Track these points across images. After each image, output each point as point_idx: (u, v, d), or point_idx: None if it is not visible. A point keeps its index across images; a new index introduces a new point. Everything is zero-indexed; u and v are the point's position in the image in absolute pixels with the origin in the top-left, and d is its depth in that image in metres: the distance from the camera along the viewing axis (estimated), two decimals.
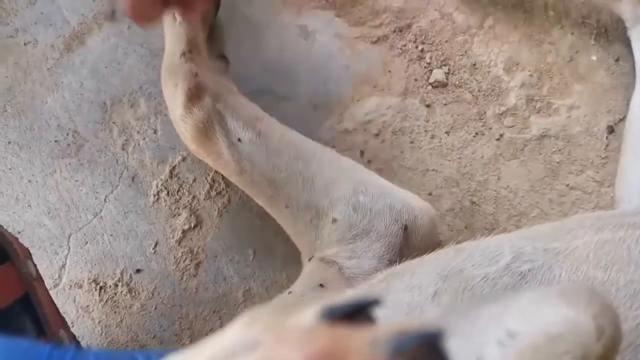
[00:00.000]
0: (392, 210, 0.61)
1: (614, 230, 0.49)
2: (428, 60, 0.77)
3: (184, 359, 0.23)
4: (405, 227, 0.61)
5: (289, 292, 0.59)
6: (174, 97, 0.64)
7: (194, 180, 0.70)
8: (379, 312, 0.44)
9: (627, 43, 0.75)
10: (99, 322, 0.65)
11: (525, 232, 0.52)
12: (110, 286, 0.66)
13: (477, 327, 0.33)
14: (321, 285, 0.57)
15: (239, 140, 0.63)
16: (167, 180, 0.70)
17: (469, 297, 0.44)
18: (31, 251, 0.66)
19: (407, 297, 0.45)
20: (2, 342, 0.40)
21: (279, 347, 0.21)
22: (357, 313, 0.23)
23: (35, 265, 0.54)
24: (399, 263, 0.54)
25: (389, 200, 0.61)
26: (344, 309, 0.23)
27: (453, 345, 0.33)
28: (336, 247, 0.61)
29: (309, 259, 0.63)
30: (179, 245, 0.68)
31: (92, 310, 0.66)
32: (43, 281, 0.54)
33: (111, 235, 0.68)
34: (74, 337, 0.54)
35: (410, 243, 0.61)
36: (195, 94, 0.64)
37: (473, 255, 0.47)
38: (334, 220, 0.61)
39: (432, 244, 0.62)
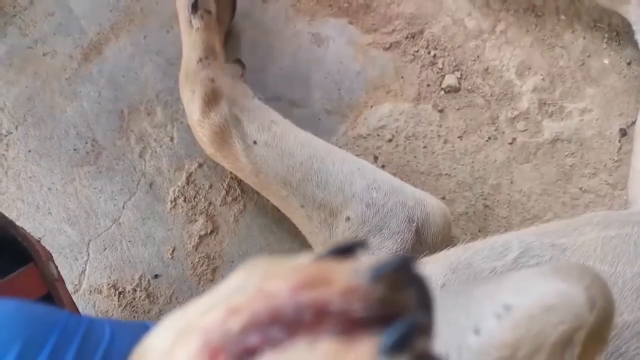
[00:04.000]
0: (404, 207, 0.62)
1: (621, 226, 0.50)
2: (440, 66, 0.78)
3: (187, 308, 0.24)
4: (417, 224, 0.61)
5: None
6: (192, 103, 0.66)
7: (210, 187, 0.71)
8: None
9: None
10: None
11: (534, 229, 0.53)
12: (129, 291, 0.68)
13: (473, 302, 0.34)
14: None
15: (255, 142, 0.65)
16: (183, 186, 0.71)
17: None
18: None
19: None
20: (22, 306, 0.42)
21: (267, 281, 0.22)
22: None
23: (56, 267, 0.55)
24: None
25: (402, 198, 0.62)
26: (330, 252, 0.24)
27: (452, 317, 0.34)
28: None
29: None
30: (195, 250, 0.69)
31: (112, 315, 0.67)
32: (64, 282, 0.56)
33: (129, 242, 0.69)
34: None
35: (422, 240, 0.62)
36: (212, 99, 0.65)
37: (482, 250, 0.48)
38: (348, 219, 0.62)
39: (445, 241, 0.63)
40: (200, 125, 0.66)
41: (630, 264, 0.46)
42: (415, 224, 0.61)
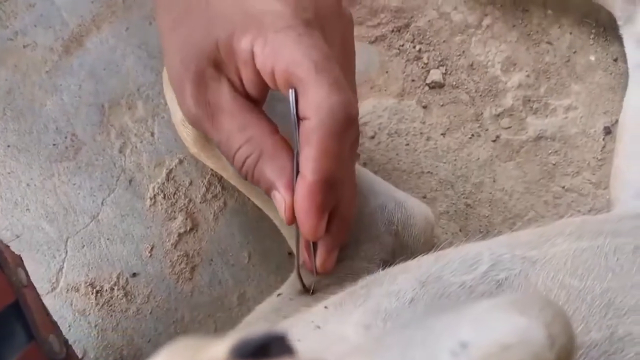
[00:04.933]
0: (383, 211, 0.61)
1: (593, 237, 0.49)
2: (425, 61, 0.77)
3: None
4: (398, 227, 0.61)
5: (278, 294, 0.60)
6: (174, 102, 0.65)
7: (191, 184, 0.71)
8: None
9: None
10: (95, 325, 0.66)
11: (508, 238, 0.52)
12: (106, 290, 0.67)
13: (432, 337, 0.33)
14: (309, 289, 0.58)
15: None
16: (163, 183, 0.70)
17: (445, 305, 0.45)
18: (29, 255, 0.68)
19: (385, 303, 0.46)
20: None
21: None
22: (273, 347, 0.23)
23: (26, 272, 0.55)
24: (392, 264, 0.55)
25: (381, 200, 0.62)
26: (251, 345, 0.23)
27: (409, 354, 0.34)
28: None
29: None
30: (174, 248, 0.69)
31: (89, 314, 0.67)
32: (34, 287, 0.55)
33: (108, 239, 0.69)
34: (65, 342, 0.54)
35: (403, 243, 0.61)
36: None
37: (452, 262, 0.48)
38: None
39: (427, 243, 0.63)
40: (184, 124, 0.65)
41: (600, 279, 0.45)
42: (395, 227, 0.61)
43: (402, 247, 0.61)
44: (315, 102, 0.45)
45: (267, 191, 0.52)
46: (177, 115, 0.65)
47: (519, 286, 0.45)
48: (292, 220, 0.49)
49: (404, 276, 0.48)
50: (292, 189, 0.49)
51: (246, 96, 0.53)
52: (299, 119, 0.47)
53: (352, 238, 0.60)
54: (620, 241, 0.48)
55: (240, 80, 0.52)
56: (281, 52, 0.47)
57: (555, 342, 0.31)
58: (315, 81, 0.45)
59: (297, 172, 0.48)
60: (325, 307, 0.48)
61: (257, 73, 0.50)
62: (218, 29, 0.51)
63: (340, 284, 0.57)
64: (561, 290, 0.44)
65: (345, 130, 0.47)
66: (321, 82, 0.45)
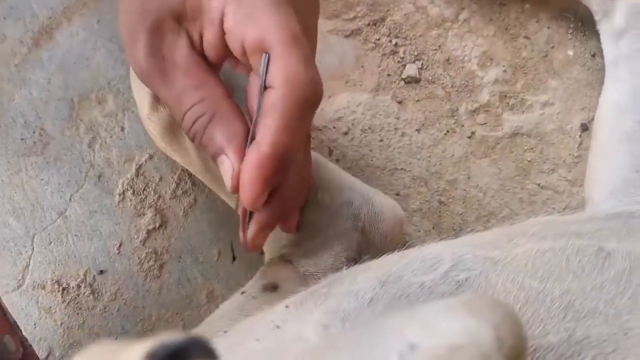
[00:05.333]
0: (350, 207, 0.60)
1: (556, 239, 0.48)
2: (402, 55, 0.76)
3: None
4: (364, 224, 0.60)
5: (242, 293, 0.59)
6: (141, 96, 0.65)
7: (160, 179, 0.70)
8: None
9: None
10: (61, 323, 0.65)
11: (472, 238, 0.51)
12: (73, 287, 0.66)
13: (381, 337, 0.33)
14: (274, 286, 0.57)
15: None
16: (133, 179, 0.69)
17: (404, 305, 0.44)
18: None
19: (344, 303, 0.45)
20: None
21: None
22: (193, 352, 0.23)
23: None
24: (358, 261, 0.54)
25: (348, 196, 0.61)
26: (169, 350, 0.22)
27: (357, 355, 0.33)
28: (293, 246, 0.61)
29: (271, 257, 0.64)
30: (143, 245, 0.68)
31: (55, 312, 0.66)
32: None
33: (75, 236, 0.68)
34: (23, 341, 0.53)
35: (370, 240, 0.61)
36: None
37: (414, 262, 0.47)
38: None
39: (395, 240, 0.62)
40: (150, 119, 0.64)
41: (561, 281, 0.44)
42: (361, 223, 0.60)
43: (368, 244, 0.60)
44: (286, 73, 0.44)
45: (214, 156, 0.50)
46: (144, 110, 0.64)
47: (479, 287, 0.44)
48: (237, 187, 0.48)
49: (365, 275, 0.47)
50: (242, 155, 0.48)
51: (203, 57, 0.51)
52: (265, 87, 0.46)
53: (318, 233, 0.59)
54: (583, 243, 0.47)
55: (201, 39, 0.50)
56: (257, 17, 0.45)
57: (504, 344, 0.30)
58: (290, 52, 0.44)
59: (251, 140, 0.47)
60: (287, 307, 0.47)
61: (221, 36, 0.48)
62: None
63: (306, 281, 0.56)
64: (520, 291, 0.43)
65: (310, 108, 0.46)
66: (295, 54, 0.44)
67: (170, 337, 0.23)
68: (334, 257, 0.59)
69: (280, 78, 0.44)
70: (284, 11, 0.46)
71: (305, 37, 0.50)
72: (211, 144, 0.50)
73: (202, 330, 0.57)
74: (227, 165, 0.49)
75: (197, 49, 0.51)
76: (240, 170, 0.47)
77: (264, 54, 0.45)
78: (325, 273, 0.56)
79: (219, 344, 0.46)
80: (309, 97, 0.45)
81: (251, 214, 0.52)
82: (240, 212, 0.53)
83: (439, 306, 0.33)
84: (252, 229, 0.53)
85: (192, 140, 0.51)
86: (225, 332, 0.50)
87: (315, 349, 0.39)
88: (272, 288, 0.56)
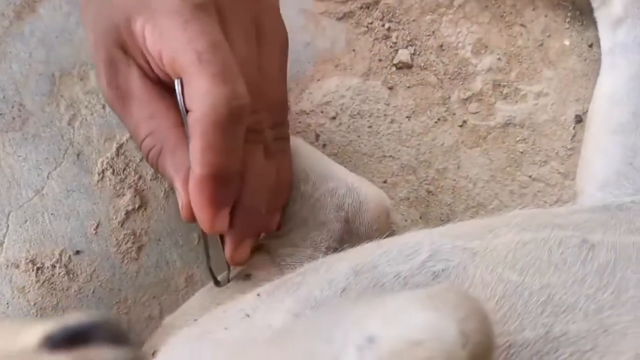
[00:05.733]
0: (333, 196, 0.58)
1: (539, 230, 0.46)
2: (394, 40, 0.74)
3: None
4: (348, 213, 0.58)
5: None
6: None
7: (141, 160, 0.68)
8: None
9: None
10: (34, 304, 0.64)
11: (452, 228, 0.49)
12: (47, 267, 0.65)
13: (341, 328, 0.31)
14: (247, 275, 0.55)
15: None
16: (113, 158, 0.67)
17: (378, 295, 0.42)
18: None
19: (316, 291, 0.44)
20: None
21: None
22: (98, 334, 0.21)
23: None
24: (339, 250, 0.52)
25: (332, 185, 0.59)
26: (70, 332, 0.20)
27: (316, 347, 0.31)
28: (273, 238, 0.59)
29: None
30: (121, 226, 0.66)
31: (28, 292, 0.64)
32: None
33: (52, 214, 0.66)
34: None
35: (354, 230, 0.59)
36: None
37: (391, 251, 0.45)
38: None
39: (381, 230, 0.60)
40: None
41: (540, 274, 0.42)
42: (344, 213, 0.58)
43: (352, 235, 0.58)
44: (197, 94, 0.44)
45: (170, 184, 0.52)
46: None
47: (456, 278, 0.42)
48: (190, 217, 0.49)
49: (341, 264, 0.45)
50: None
51: (157, 81, 0.50)
52: (187, 110, 0.46)
53: (299, 223, 0.57)
54: (567, 234, 0.45)
55: (148, 64, 0.49)
56: (167, 39, 0.45)
57: (469, 340, 0.29)
58: (199, 72, 0.43)
59: None
60: (258, 295, 0.46)
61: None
62: (118, 10, 0.48)
63: (282, 271, 0.55)
64: (498, 284, 0.41)
65: (230, 123, 0.44)
66: (204, 73, 0.43)
67: (74, 317, 0.21)
68: (313, 247, 0.57)
69: (193, 100, 0.44)
70: (192, 27, 0.44)
71: (245, 38, 0.51)
72: (164, 174, 0.51)
73: (175, 318, 0.56)
74: (177, 195, 0.50)
75: (149, 75, 0.50)
76: (189, 199, 0.47)
77: (175, 80, 0.46)
78: (302, 263, 0.54)
79: (189, 333, 0.45)
80: (224, 113, 0.43)
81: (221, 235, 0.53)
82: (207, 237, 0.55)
83: (403, 298, 0.31)
84: (227, 249, 0.53)
85: (154, 170, 0.53)
86: (195, 320, 0.49)
87: (274, 336, 0.38)
88: (245, 277, 0.54)
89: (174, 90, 0.46)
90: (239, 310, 0.44)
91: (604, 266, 0.43)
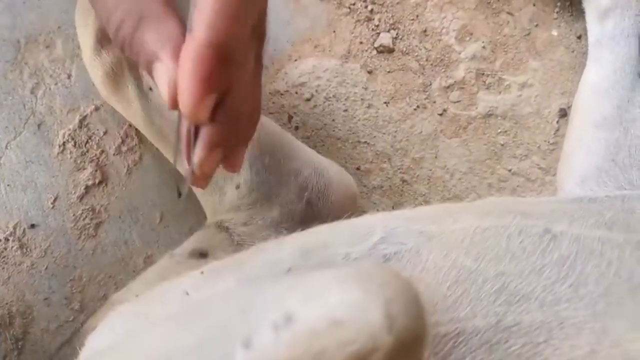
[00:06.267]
0: (298, 176, 0.56)
1: (501, 216, 0.43)
2: (376, 22, 0.71)
3: None
4: (312, 195, 0.56)
5: (170, 255, 0.55)
6: (85, 36, 0.60)
7: (105, 133, 0.65)
8: None
9: None
10: None
11: (410, 212, 0.46)
12: (0, 240, 0.62)
13: (258, 303, 0.29)
14: (203, 253, 0.53)
15: (151, 89, 0.59)
16: (75, 130, 0.65)
17: None
18: None
19: (260, 271, 0.41)
20: None
21: None
22: None
23: None
24: None
25: (297, 165, 0.57)
26: None
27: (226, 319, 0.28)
28: (233, 213, 0.57)
29: (208, 222, 0.60)
30: (80, 201, 0.63)
31: None
32: None
33: (8, 185, 0.63)
34: None
35: (316, 213, 0.56)
36: (105, 37, 0.59)
37: (343, 232, 0.43)
38: (238, 186, 0.57)
39: (346, 214, 0.58)
40: (92, 64, 0.60)
41: (497, 261, 0.40)
42: (307, 194, 0.56)
43: (315, 218, 0.55)
44: None
45: (148, 65, 0.41)
46: (86, 51, 0.60)
47: (408, 262, 0.40)
48: (174, 99, 0.40)
49: (289, 244, 0.42)
50: (179, 58, 0.39)
51: None
52: None
53: (261, 199, 0.55)
54: (529, 223, 0.42)
55: None
56: None
57: (395, 323, 0.26)
58: None
59: None
60: (202, 272, 0.43)
61: None
62: None
63: (238, 250, 0.52)
64: (452, 269, 0.39)
65: None
66: None
67: None
68: (274, 227, 0.55)
69: None
70: None
71: None
72: (142, 50, 0.41)
73: (122, 294, 0.53)
74: (161, 71, 0.40)
75: None
76: (177, 76, 0.39)
77: None
78: (260, 241, 0.51)
79: (128, 308, 0.42)
80: None
81: (196, 133, 0.43)
82: (182, 132, 0.44)
83: (328, 274, 0.28)
84: (198, 150, 0.43)
85: (122, 51, 0.43)
86: (137, 296, 0.46)
87: (192, 305, 0.35)
88: (201, 255, 0.52)
89: None
90: (180, 288, 0.41)
91: (564, 258, 0.41)
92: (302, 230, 0.51)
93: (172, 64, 0.39)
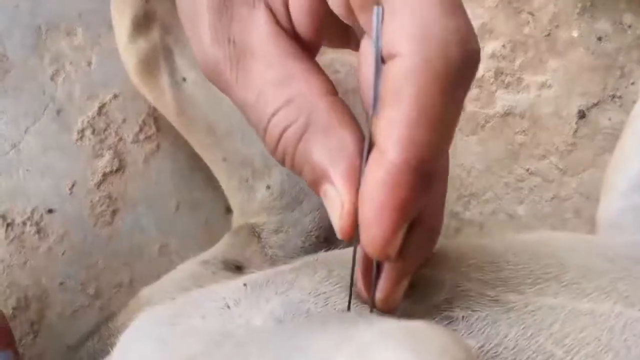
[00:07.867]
0: None
1: (599, 299, 0.37)
2: None
3: None
4: None
5: (202, 262, 0.54)
6: (119, 25, 0.60)
7: (123, 121, 0.65)
8: None
9: (613, 21, 0.69)
10: (2, 261, 0.61)
11: (481, 267, 0.38)
12: (18, 224, 0.62)
13: (301, 358, 0.26)
14: (238, 267, 0.52)
15: (184, 79, 0.59)
16: (94, 117, 0.65)
17: None
18: None
19: (310, 304, 0.36)
20: None
21: None
22: None
23: None
24: (330, 248, 0.46)
25: None
26: None
27: None
28: (265, 216, 0.56)
29: (239, 225, 0.59)
30: (97, 188, 0.64)
31: None
32: None
33: (27, 170, 0.64)
34: None
35: None
36: (142, 23, 0.59)
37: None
38: (268, 187, 0.56)
39: None
40: (127, 51, 0.60)
41: (595, 358, 0.34)
42: None
43: None
44: (414, 27, 0.27)
45: (314, 183, 0.33)
46: (121, 38, 0.60)
47: (479, 332, 0.34)
48: (352, 231, 0.31)
49: (343, 270, 0.37)
50: (355, 180, 0.30)
51: (293, 36, 0.34)
52: (383, 59, 0.29)
53: (292, 205, 0.55)
54: (633, 315, 0.36)
55: (287, 9, 0.34)
56: None
57: None
58: None
59: (369, 149, 0.30)
60: (244, 285, 0.39)
61: None
62: None
63: (273, 264, 0.51)
64: (537, 355, 0.34)
65: (462, 80, 0.28)
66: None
67: None
68: (304, 236, 0.54)
69: (406, 38, 0.27)
70: None
71: None
72: (308, 166, 0.32)
73: (153, 291, 0.53)
74: (332, 195, 0.32)
75: (283, 26, 0.34)
76: (354, 204, 0.30)
77: (375, 8, 0.28)
78: (291, 256, 0.50)
79: (163, 313, 0.40)
80: (458, 60, 0.27)
81: (379, 263, 0.34)
82: (361, 264, 0.35)
83: (379, 331, 0.26)
84: (384, 287, 0.34)
85: (282, 162, 0.34)
86: (173, 299, 0.44)
87: (227, 351, 0.33)
88: (236, 269, 0.51)
89: (373, 22, 0.28)
90: (221, 299, 0.38)
91: None
92: (333, 243, 0.49)
93: (347, 189, 0.31)
